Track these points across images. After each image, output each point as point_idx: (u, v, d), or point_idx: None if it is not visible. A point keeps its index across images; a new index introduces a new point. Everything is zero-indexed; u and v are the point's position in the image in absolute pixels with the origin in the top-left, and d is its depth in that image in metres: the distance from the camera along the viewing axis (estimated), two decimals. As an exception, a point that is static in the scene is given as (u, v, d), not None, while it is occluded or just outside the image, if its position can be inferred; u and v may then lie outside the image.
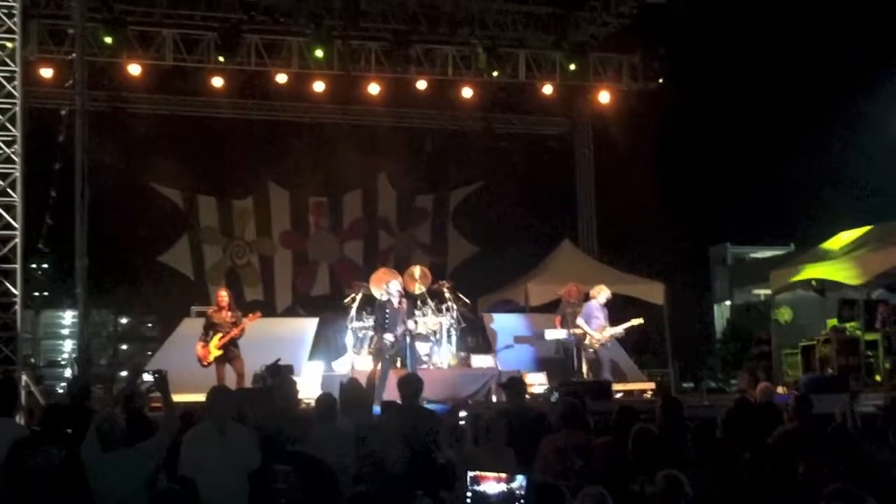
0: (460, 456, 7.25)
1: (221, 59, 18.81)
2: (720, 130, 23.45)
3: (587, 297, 16.02)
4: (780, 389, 16.28)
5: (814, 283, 18.02)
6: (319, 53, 18.84)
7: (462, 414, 7.93)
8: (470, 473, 4.18)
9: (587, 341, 15.64)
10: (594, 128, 22.72)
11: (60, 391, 17.72)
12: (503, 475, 4.12)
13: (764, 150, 23.65)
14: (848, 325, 17.62)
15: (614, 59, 21.00)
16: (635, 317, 16.19)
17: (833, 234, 18.10)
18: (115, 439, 6.85)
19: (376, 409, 9.47)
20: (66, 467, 6.51)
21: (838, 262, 17.01)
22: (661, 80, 20.47)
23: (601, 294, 15.77)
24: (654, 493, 5.87)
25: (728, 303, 25.47)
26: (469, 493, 3.98)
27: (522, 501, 4.04)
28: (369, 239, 23.68)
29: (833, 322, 18.04)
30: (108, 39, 18.04)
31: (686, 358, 20.73)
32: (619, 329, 15.92)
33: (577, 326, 15.79)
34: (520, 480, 4.07)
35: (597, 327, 15.63)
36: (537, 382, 15.94)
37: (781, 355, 18.62)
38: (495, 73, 19.88)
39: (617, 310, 18.23)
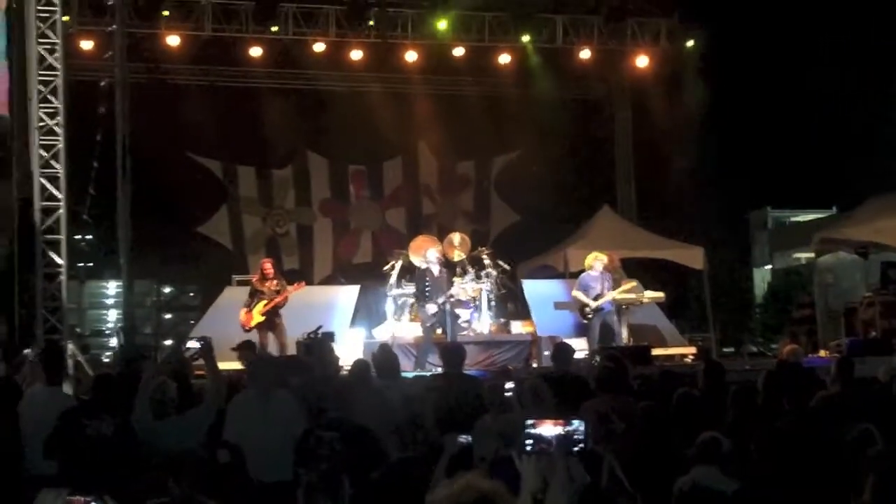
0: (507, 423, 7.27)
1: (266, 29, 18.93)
2: (760, 93, 23.22)
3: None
4: (822, 353, 16.23)
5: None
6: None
7: (509, 385, 7.92)
8: (528, 420, 4.10)
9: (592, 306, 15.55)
10: (633, 92, 22.58)
11: (106, 360, 18.02)
12: (560, 420, 4.05)
13: (805, 113, 23.38)
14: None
15: (652, 22, 20.87)
16: (673, 282, 16.05)
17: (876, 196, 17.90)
18: (168, 407, 6.98)
19: (407, 374, 9.50)
20: (118, 436, 6.63)
21: (881, 225, 16.83)
22: (697, 43, 20.40)
23: (596, 262, 15.65)
24: (692, 456, 5.89)
25: (769, 267, 25.32)
26: (528, 437, 3.91)
27: (582, 446, 3.97)
28: (412, 206, 23.68)
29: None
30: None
31: (726, 322, 20.66)
32: (629, 295, 15.90)
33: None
34: (577, 424, 3.97)
35: (594, 296, 15.55)
36: (578, 348, 15.92)
37: (824, 319, 18.49)
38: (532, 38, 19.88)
39: (656, 274, 18.24)
